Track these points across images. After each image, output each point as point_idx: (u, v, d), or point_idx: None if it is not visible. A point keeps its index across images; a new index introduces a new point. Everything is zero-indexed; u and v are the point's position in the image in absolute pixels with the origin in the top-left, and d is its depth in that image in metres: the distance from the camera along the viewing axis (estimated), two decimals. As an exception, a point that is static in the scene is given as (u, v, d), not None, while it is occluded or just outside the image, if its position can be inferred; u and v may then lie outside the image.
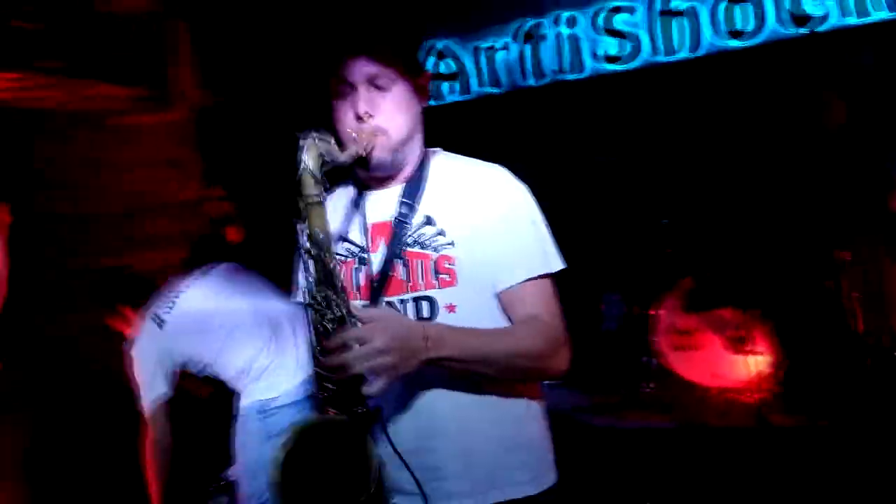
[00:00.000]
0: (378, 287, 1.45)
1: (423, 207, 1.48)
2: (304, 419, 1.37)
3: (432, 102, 4.79)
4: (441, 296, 1.42)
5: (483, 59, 4.98)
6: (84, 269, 3.35)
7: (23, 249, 2.66)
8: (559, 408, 5.25)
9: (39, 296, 3.26)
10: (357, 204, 1.54)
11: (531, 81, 4.87)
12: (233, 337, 2.63)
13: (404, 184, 1.50)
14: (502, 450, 1.43)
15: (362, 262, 1.49)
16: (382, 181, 1.52)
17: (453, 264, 1.42)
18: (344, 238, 1.53)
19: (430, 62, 4.98)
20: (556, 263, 1.49)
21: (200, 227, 4.18)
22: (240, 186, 4.11)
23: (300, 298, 1.44)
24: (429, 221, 1.46)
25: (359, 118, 1.44)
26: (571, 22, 4.73)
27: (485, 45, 4.97)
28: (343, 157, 1.37)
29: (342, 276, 1.34)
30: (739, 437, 3.50)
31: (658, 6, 4.49)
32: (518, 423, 1.47)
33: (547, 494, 1.46)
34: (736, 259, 4.23)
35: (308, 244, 1.31)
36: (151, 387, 2.54)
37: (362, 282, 1.49)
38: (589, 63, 4.71)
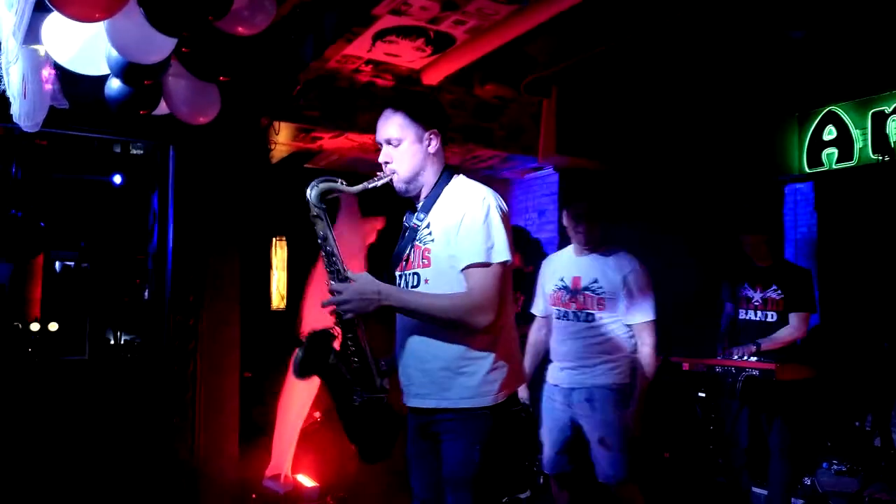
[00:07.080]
0: (403, 264, 2.22)
1: (430, 216, 2.16)
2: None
3: (815, 169, 5.15)
4: (423, 273, 2.14)
5: (871, 125, 4.59)
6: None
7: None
8: (827, 488, 3.78)
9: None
10: (412, 212, 2.25)
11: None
12: None
13: (424, 200, 2.20)
14: (449, 374, 2.09)
15: (403, 248, 2.23)
16: (416, 199, 2.23)
17: (430, 253, 2.13)
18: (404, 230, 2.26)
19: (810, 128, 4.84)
20: (497, 256, 2.05)
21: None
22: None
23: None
24: (428, 226, 2.16)
25: (382, 164, 2.18)
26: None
27: (875, 109, 4.57)
28: (353, 189, 2.12)
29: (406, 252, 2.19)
30: None
31: None
32: (462, 360, 2.09)
33: (476, 410, 2.08)
34: None
35: (319, 240, 2.11)
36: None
37: (399, 260, 2.23)
38: None
